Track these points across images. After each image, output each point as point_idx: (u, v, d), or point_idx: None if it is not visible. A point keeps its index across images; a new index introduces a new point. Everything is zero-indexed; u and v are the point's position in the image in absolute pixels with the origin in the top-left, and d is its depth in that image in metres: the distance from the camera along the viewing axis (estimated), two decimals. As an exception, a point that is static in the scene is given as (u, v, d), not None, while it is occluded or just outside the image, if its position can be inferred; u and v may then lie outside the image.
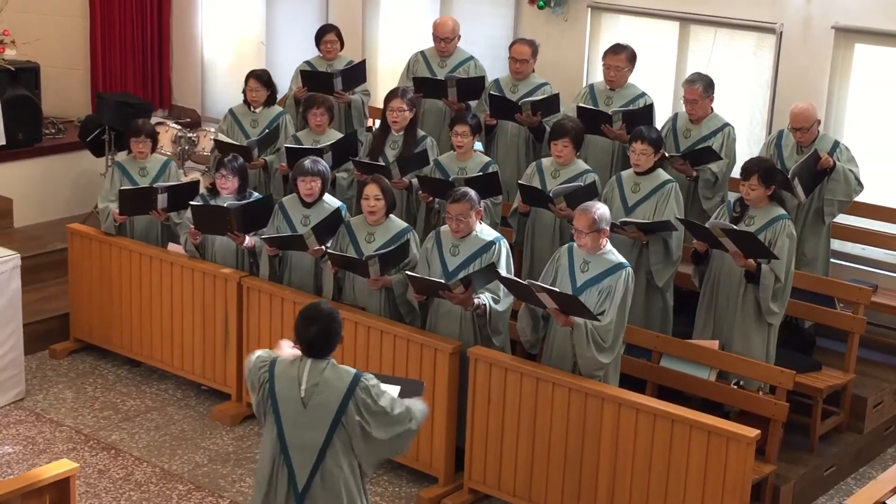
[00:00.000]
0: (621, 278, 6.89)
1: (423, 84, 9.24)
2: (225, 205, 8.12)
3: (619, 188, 8.04)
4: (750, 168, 7.47)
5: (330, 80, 9.45)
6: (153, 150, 9.02)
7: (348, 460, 5.35)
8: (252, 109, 9.35)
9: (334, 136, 8.94)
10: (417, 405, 5.47)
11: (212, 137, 9.29)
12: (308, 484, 5.33)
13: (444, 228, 7.47)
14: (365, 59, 10.02)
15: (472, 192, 7.33)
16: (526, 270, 8.32)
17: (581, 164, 8.24)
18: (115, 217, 8.73)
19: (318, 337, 5.29)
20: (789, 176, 7.96)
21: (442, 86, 9.19)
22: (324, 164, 8.03)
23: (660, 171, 7.98)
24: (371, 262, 7.39)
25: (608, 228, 7.01)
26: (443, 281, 7.17)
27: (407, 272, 7.35)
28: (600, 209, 6.96)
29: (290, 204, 8.12)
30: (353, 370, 5.34)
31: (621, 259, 7.01)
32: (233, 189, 8.30)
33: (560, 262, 7.12)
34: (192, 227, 8.26)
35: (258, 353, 5.53)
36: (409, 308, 7.62)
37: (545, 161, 8.33)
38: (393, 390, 5.49)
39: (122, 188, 8.68)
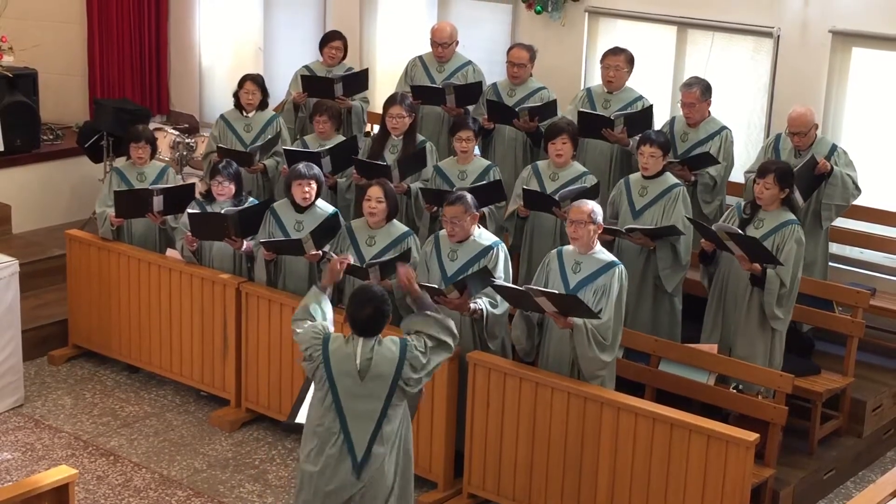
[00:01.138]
0: (615, 276, 6.90)
1: (421, 91, 9.25)
2: (222, 210, 8.12)
3: (627, 192, 8.04)
4: (767, 167, 7.48)
5: (330, 85, 9.45)
6: (152, 156, 9.03)
7: (401, 416, 5.80)
8: (245, 114, 9.34)
9: (342, 141, 8.95)
10: (446, 322, 5.93)
11: (216, 146, 9.26)
12: (367, 451, 5.71)
13: (443, 233, 7.47)
14: (368, 69, 10.03)
15: (468, 196, 7.33)
16: (524, 274, 8.31)
17: (578, 167, 8.25)
18: (111, 221, 8.73)
19: (371, 317, 5.69)
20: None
21: (440, 93, 9.20)
22: (318, 169, 8.03)
23: (668, 174, 7.98)
24: (372, 269, 7.39)
25: (601, 224, 7.02)
26: (436, 286, 7.17)
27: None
28: (596, 205, 7.01)
29: (282, 209, 8.11)
30: (398, 339, 5.75)
31: (612, 257, 7.03)
32: (230, 194, 8.31)
33: (550, 266, 7.13)
34: (189, 234, 8.26)
35: (307, 323, 5.88)
36: (409, 312, 7.60)
37: (541, 164, 8.33)
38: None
39: (118, 190, 8.68)
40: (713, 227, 7.39)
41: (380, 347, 5.72)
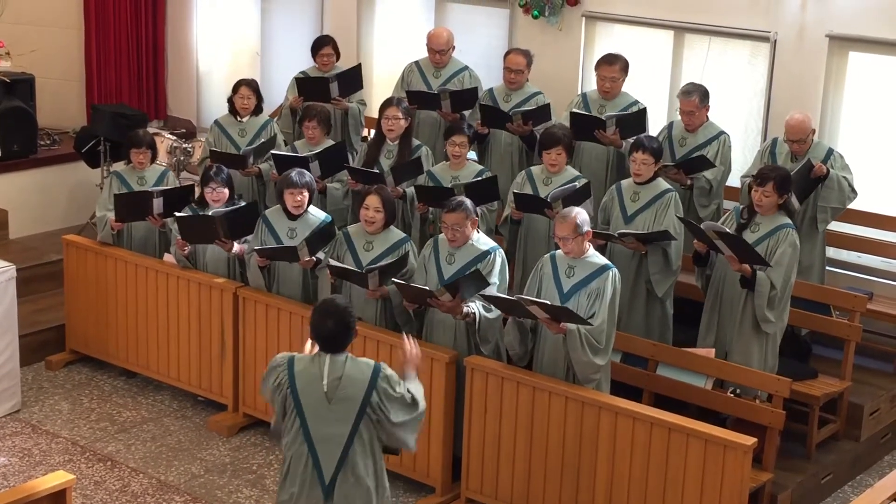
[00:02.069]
0: (608, 279, 6.91)
1: (417, 97, 9.25)
2: (210, 213, 8.13)
3: (619, 197, 8.05)
4: (767, 174, 7.48)
5: (326, 87, 9.45)
6: (153, 161, 9.05)
7: (372, 448, 5.52)
8: (239, 119, 9.34)
9: (330, 146, 8.95)
10: (418, 390, 5.61)
11: (209, 150, 9.29)
12: (335, 475, 5.46)
13: (442, 237, 7.48)
14: (360, 64, 10.02)
15: (468, 202, 7.34)
16: (518, 279, 8.31)
17: (571, 171, 8.25)
18: (112, 225, 8.74)
19: (334, 331, 5.43)
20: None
21: (436, 98, 9.21)
22: (309, 176, 8.04)
23: (659, 180, 7.99)
24: (371, 274, 7.39)
25: (591, 230, 7.03)
26: (428, 288, 7.17)
27: (394, 280, 7.35)
28: (580, 213, 6.99)
29: (274, 217, 8.10)
30: (372, 361, 5.50)
31: (605, 261, 7.03)
32: (224, 199, 8.32)
33: (544, 270, 7.13)
34: (180, 238, 8.27)
35: (276, 356, 5.66)
36: (407, 318, 7.61)
37: (535, 169, 8.34)
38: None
39: (118, 193, 8.69)
40: (702, 226, 7.40)
41: (350, 367, 5.46)
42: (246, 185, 9.14)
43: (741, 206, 7.71)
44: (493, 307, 7.22)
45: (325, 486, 5.49)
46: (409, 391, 5.54)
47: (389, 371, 5.51)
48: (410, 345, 5.71)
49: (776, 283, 7.37)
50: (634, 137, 8.16)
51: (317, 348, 5.52)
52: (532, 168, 8.38)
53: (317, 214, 8.06)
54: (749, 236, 7.45)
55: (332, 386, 5.42)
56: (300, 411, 5.46)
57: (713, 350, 7.58)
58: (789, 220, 7.53)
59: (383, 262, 7.52)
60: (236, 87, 9.36)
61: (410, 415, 5.53)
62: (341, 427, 5.44)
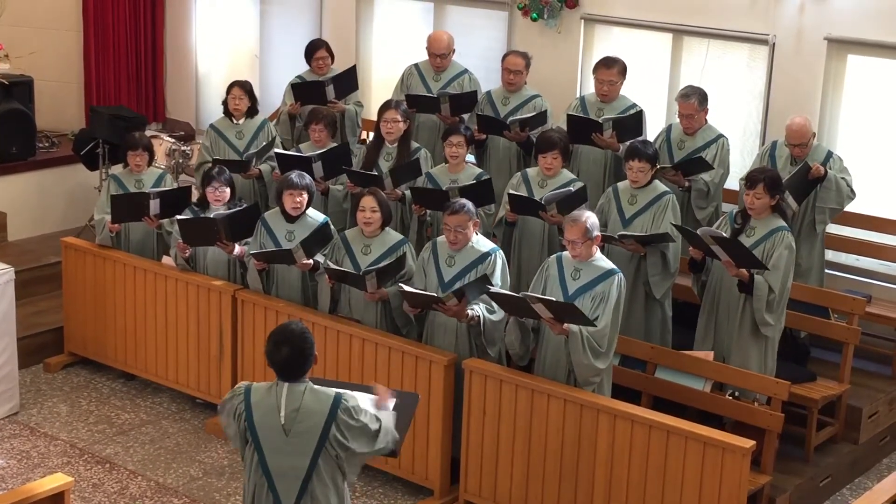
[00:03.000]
0: (614, 283, 6.91)
1: (416, 100, 9.26)
2: (211, 215, 8.13)
3: (616, 200, 8.05)
4: (756, 177, 7.48)
5: (322, 90, 9.46)
6: (150, 163, 9.04)
7: (333, 479, 5.25)
8: (234, 121, 9.35)
9: (333, 147, 8.96)
10: (390, 424, 5.35)
11: (207, 156, 9.29)
12: None
13: (441, 239, 7.47)
14: (355, 65, 10.03)
15: (470, 204, 7.35)
16: (513, 280, 8.30)
17: (567, 174, 8.24)
18: (109, 227, 8.74)
19: (290, 358, 5.12)
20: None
21: (435, 102, 9.21)
22: (309, 179, 8.04)
23: (657, 182, 7.99)
24: (369, 276, 7.39)
25: (599, 235, 7.03)
26: (435, 294, 7.17)
27: (400, 286, 7.35)
28: (590, 217, 6.99)
29: (272, 219, 8.10)
30: (332, 391, 5.20)
31: (612, 265, 7.03)
32: (226, 199, 8.33)
33: (549, 271, 7.13)
34: (181, 241, 8.27)
35: (236, 385, 5.41)
36: (406, 320, 7.61)
37: (531, 171, 8.34)
38: (391, 403, 5.46)
39: (114, 194, 8.69)
40: (698, 232, 7.40)
41: (308, 398, 5.15)
42: (247, 187, 9.13)
43: (735, 212, 7.71)
44: (496, 309, 7.22)
45: None
46: (375, 418, 5.25)
47: (352, 402, 5.19)
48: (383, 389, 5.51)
49: (774, 287, 7.38)
50: (630, 143, 8.16)
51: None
52: (528, 170, 8.38)
53: (315, 217, 8.06)
54: (745, 241, 7.44)
55: (290, 418, 5.13)
56: (257, 443, 5.19)
57: (712, 353, 7.58)
58: (784, 223, 7.53)
59: (381, 264, 7.52)
60: (229, 89, 9.38)
61: (372, 447, 5.23)
62: (300, 460, 5.16)
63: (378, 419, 5.28)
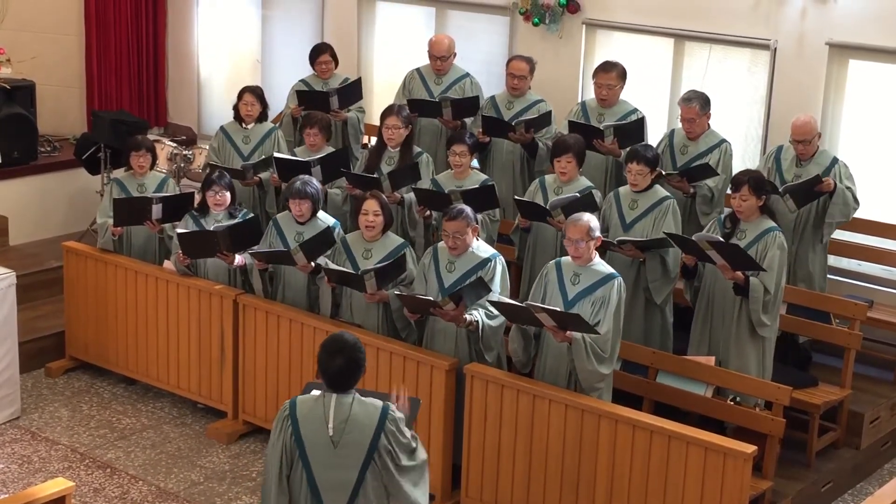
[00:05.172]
0: (614, 288, 6.90)
1: (417, 104, 9.26)
2: (211, 227, 8.14)
3: (617, 205, 8.04)
4: (740, 179, 7.50)
5: (326, 99, 9.47)
6: (152, 165, 9.05)
7: (379, 497, 5.19)
8: (244, 126, 9.36)
9: (332, 151, 8.96)
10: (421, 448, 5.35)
11: (212, 156, 9.31)
12: None
13: (442, 245, 7.47)
14: (360, 77, 10.04)
15: (468, 210, 7.34)
16: (526, 287, 8.31)
17: (584, 181, 8.22)
18: (111, 230, 8.74)
19: (344, 368, 5.08)
20: (780, 190, 7.99)
21: (437, 106, 9.21)
22: (313, 186, 8.03)
23: (657, 187, 7.99)
24: (367, 276, 7.39)
25: (600, 236, 7.03)
26: (431, 298, 7.17)
27: (396, 292, 7.35)
28: (592, 218, 7.00)
29: (284, 221, 8.14)
30: (380, 402, 5.16)
31: (611, 270, 7.03)
32: (226, 204, 8.33)
33: (549, 277, 7.12)
34: (181, 252, 8.28)
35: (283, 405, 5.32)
36: (406, 323, 7.61)
37: (548, 178, 8.33)
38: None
39: (116, 197, 8.70)
40: (694, 237, 7.40)
41: (356, 408, 5.11)
42: (247, 192, 9.13)
43: (723, 216, 7.71)
44: (496, 315, 7.21)
45: None
46: (413, 437, 5.24)
47: (398, 413, 5.17)
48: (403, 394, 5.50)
49: (769, 288, 7.38)
50: (631, 147, 8.15)
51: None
52: (545, 177, 8.37)
53: (325, 220, 8.07)
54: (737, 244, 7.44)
55: (339, 430, 5.06)
56: (304, 458, 5.11)
57: (713, 358, 7.57)
58: (774, 223, 7.53)
59: (380, 265, 7.51)
60: (241, 94, 9.38)
61: (413, 461, 5.20)
62: (348, 473, 5.09)
63: (415, 437, 5.25)
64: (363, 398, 5.16)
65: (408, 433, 5.21)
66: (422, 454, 5.29)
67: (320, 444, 5.10)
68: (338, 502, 5.13)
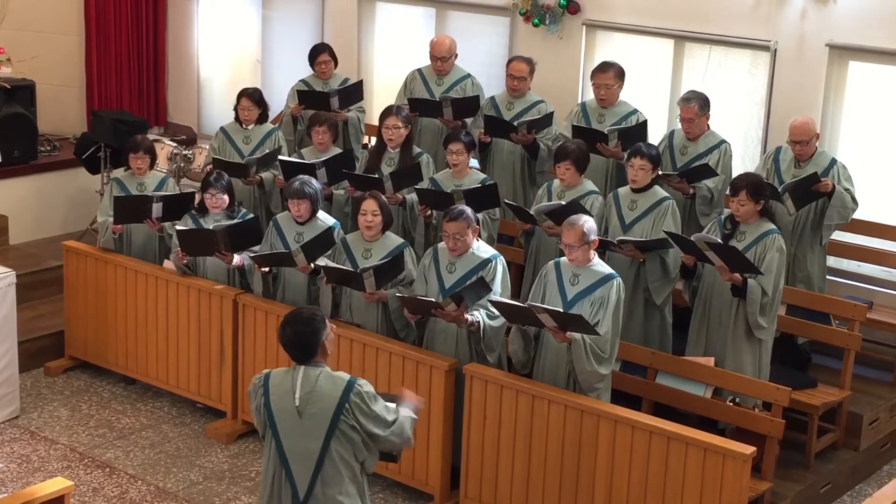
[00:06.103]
0: (613, 288, 6.91)
1: (418, 104, 9.27)
2: (210, 226, 8.14)
3: (617, 206, 8.05)
4: (738, 184, 7.50)
5: (326, 99, 9.48)
6: (151, 166, 9.05)
7: (348, 467, 5.32)
8: (244, 126, 9.37)
9: (337, 153, 8.97)
10: (408, 415, 5.46)
11: (210, 157, 9.32)
12: (309, 493, 5.31)
13: (442, 245, 7.47)
14: (362, 80, 10.05)
15: (469, 210, 7.34)
16: (528, 288, 8.30)
17: (587, 186, 8.20)
18: (112, 229, 8.74)
19: (292, 339, 5.26)
20: (780, 190, 7.99)
21: (437, 106, 9.22)
22: (311, 187, 8.03)
23: (657, 188, 7.99)
24: (366, 274, 7.39)
25: (597, 239, 7.03)
26: (433, 299, 7.17)
27: (397, 294, 7.35)
28: (587, 222, 6.99)
29: (284, 221, 8.14)
30: (347, 376, 5.31)
31: (610, 270, 7.03)
32: (223, 206, 8.34)
33: (548, 277, 7.13)
34: (180, 250, 8.28)
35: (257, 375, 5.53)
36: (404, 323, 7.61)
37: (556, 182, 8.32)
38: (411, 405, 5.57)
39: (117, 195, 8.70)
40: (692, 238, 7.41)
41: (323, 381, 5.26)
42: (247, 192, 9.14)
43: (723, 217, 7.72)
44: (497, 315, 7.22)
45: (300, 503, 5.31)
46: (392, 410, 5.34)
47: (367, 388, 5.29)
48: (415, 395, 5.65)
49: (767, 290, 7.39)
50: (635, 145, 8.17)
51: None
52: (554, 181, 8.36)
53: (325, 220, 8.07)
54: (736, 245, 7.44)
55: (304, 400, 5.25)
56: (273, 427, 5.31)
57: (713, 359, 7.58)
58: (773, 226, 7.54)
59: (379, 263, 7.51)
60: (239, 98, 9.39)
61: (384, 432, 5.31)
62: (313, 443, 5.26)
63: (396, 412, 5.38)
64: (332, 372, 5.32)
65: (378, 405, 5.30)
66: (398, 429, 5.35)
67: (287, 414, 5.29)
68: (304, 471, 5.30)
